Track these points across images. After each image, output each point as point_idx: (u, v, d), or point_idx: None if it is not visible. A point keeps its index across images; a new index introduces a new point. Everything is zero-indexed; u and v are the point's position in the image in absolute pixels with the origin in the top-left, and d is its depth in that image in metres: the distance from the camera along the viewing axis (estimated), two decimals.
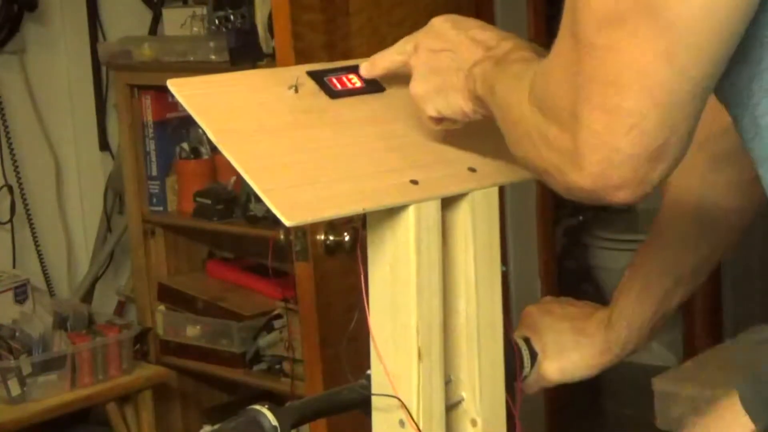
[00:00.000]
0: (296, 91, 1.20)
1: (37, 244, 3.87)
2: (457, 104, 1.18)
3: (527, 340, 1.40)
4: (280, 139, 1.14)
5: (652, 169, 0.93)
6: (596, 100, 0.91)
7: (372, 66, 1.28)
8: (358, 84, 1.27)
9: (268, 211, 1.08)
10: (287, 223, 1.07)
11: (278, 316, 3.31)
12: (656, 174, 0.94)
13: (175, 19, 3.57)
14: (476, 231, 1.24)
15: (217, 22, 3.40)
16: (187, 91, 1.14)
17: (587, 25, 0.91)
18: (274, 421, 1.18)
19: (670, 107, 0.91)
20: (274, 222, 2.92)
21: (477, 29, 1.19)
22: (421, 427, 1.20)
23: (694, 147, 1.34)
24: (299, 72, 1.23)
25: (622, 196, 0.94)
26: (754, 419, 1.08)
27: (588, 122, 0.92)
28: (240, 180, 3.36)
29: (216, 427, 1.19)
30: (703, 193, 1.34)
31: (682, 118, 0.93)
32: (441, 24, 1.20)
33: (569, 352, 1.41)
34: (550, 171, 0.98)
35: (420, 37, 1.21)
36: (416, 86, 1.20)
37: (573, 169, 0.94)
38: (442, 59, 1.18)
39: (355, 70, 1.28)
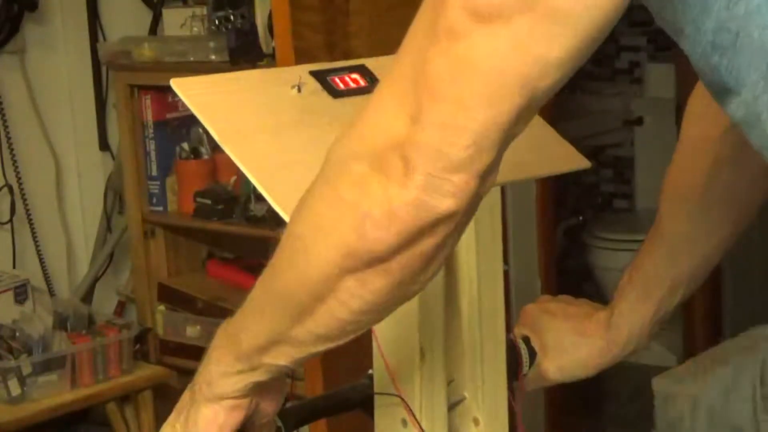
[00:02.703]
0: (299, 90, 1.20)
1: (37, 244, 3.87)
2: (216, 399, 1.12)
3: (526, 339, 1.40)
4: (283, 139, 1.14)
5: (483, 182, 0.91)
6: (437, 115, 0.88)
7: None
8: (361, 84, 1.27)
9: (269, 211, 1.08)
10: None
11: None
12: (486, 187, 0.92)
13: (175, 19, 3.57)
14: (478, 230, 1.24)
15: (217, 22, 3.40)
16: (190, 91, 1.14)
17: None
18: (278, 422, 1.18)
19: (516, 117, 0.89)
20: (274, 222, 2.91)
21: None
22: (423, 427, 1.20)
23: (696, 148, 1.34)
24: (302, 72, 1.23)
25: (449, 205, 0.90)
26: None
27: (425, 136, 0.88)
28: (240, 180, 3.37)
29: None
30: (704, 193, 1.34)
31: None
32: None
33: (568, 351, 1.41)
34: (368, 205, 0.91)
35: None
36: None
37: (399, 185, 0.89)
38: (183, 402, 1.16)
39: (357, 69, 1.28)
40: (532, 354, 1.40)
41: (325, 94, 1.22)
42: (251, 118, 1.16)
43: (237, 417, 1.12)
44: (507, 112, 0.88)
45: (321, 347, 1.02)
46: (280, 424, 1.18)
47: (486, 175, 0.90)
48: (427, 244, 0.92)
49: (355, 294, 0.95)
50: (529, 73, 0.87)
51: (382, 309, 0.99)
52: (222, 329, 1.11)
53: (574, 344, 1.41)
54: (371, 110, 0.93)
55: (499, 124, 0.88)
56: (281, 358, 1.05)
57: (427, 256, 0.93)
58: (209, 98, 1.15)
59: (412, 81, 0.89)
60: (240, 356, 1.08)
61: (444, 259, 0.95)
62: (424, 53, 0.89)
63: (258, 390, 1.12)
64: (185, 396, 1.14)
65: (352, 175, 0.91)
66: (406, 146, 0.89)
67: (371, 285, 0.94)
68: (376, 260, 0.92)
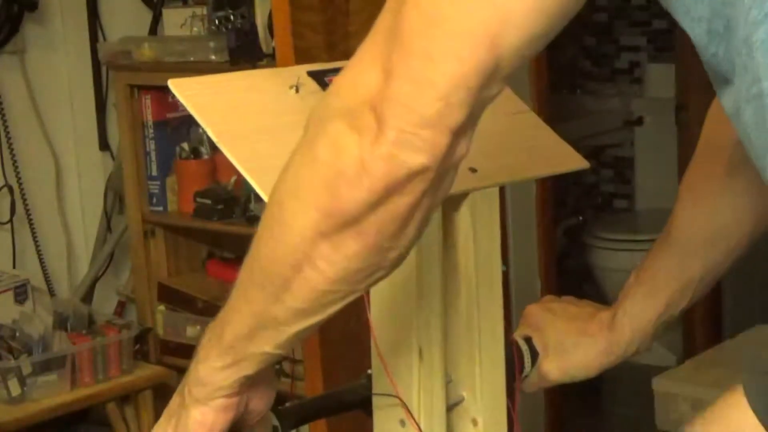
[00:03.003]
0: (297, 90, 1.20)
1: (37, 244, 3.87)
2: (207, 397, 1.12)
3: (528, 340, 1.40)
4: (281, 139, 1.14)
5: (455, 140, 0.91)
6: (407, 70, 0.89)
7: None
8: None
9: None
10: None
11: None
12: (459, 148, 0.92)
13: (175, 19, 3.57)
14: (477, 230, 1.24)
15: (217, 22, 3.40)
16: (188, 91, 1.14)
17: None
18: (275, 421, 1.18)
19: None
20: None
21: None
22: (421, 427, 1.20)
23: (714, 151, 1.33)
24: (300, 72, 1.23)
25: (420, 160, 0.90)
26: (761, 419, 1.07)
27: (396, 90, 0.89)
28: (240, 180, 3.37)
29: None
30: (719, 198, 1.33)
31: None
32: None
33: (571, 352, 1.40)
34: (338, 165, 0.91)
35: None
36: None
37: (371, 141, 0.89)
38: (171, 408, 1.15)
39: None
40: (534, 354, 1.40)
41: (323, 95, 1.22)
42: (249, 119, 1.16)
43: (226, 417, 1.12)
44: (474, 69, 0.88)
45: (301, 325, 1.01)
46: (276, 423, 1.18)
47: (458, 134, 0.90)
48: (401, 202, 0.91)
49: (330, 259, 0.94)
50: (494, 28, 0.87)
51: (358, 278, 0.97)
52: (208, 329, 1.10)
53: (576, 345, 1.40)
54: (349, 67, 0.94)
55: (467, 81, 0.88)
56: (265, 344, 1.05)
57: (401, 216, 0.92)
58: (207, 99, 1.15)
59: (386, 36, 0.90)
60: (225, 349, 1.07)
61: (419, 225, 0.94)
62: (397, 7, 0.90)
63: (247, 385, 1.11)
64: (174, 400, 1.14)
65: (327, 134, 0.92)
66: (378, 101, 0.89)
67: (345, 249, 0.93)
68: (349, 221, 0.92)
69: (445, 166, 0.91)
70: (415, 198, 0.91)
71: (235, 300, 1.06)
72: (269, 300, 1.01)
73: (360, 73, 0.92)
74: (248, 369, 1.08)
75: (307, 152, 0.94)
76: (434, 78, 0.88)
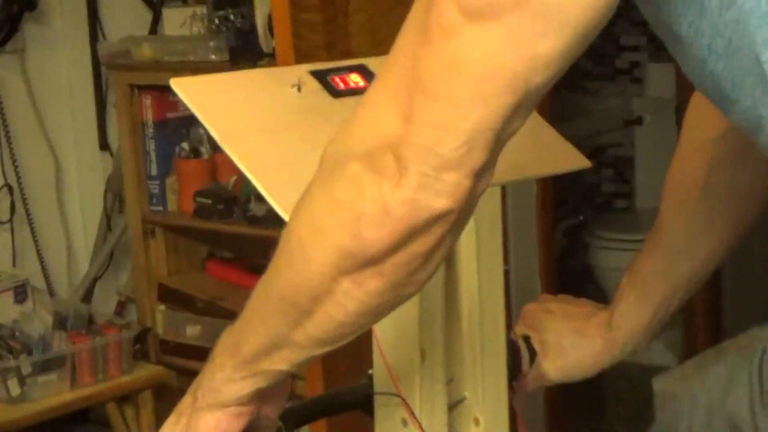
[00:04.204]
0: (299, 90, 1.20)
1: (37, 244, 3.87)
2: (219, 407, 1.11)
3: (526, 339, 1.40)
4: (283, 138, 1.14)
5: (477, 182, 0.90)
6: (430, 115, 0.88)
7: None
8: (361, 83, 1.27)
9: (269, 210, 1.08)
10: None
11: None
12: (481, 186, 0.92)
13: (175, 19, 3.57)
14: (478, 230, 1.24)
15: (217, 21, 3.40)
16: (190, 91, 1.14)
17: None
18: (278, 422, 1.18)
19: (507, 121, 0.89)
20: (275, 222, 2.92)
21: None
22: (423, 427, 1.20)
23: (696, 148, 1.34)
24: (302, 71, 1.23)
25: (443, 204, 0.90)
26: None
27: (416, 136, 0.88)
28: (240, 180, 3.37)
29: None
30: (704, 194, 1.34)
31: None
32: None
33: (569, 351, 1.41)
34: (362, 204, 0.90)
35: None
36: None
37: (393, 184, 0.89)
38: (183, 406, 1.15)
39: (357, 69, 1.28)
40: (532, 353, 1.40)
41: (325, 94, 1.22)
42: (251, 118, 1.16)
43: (239, 424, 1.12)
44: (499, 111, 0.88)
45: (320, 350, 1.02)
46: (280, 424, 1.18)
47: (480, 175, 0.90)
48: (422, 244, 0.91)
49: (351, 295, 0.95)
50: (520, 71, 0.87)
51: (379, 311, 0.98)
52: (225, 334, 1.11)
53: (573, 344, 1.40)
54: (365, 109, 0.93)
55: (492, 123, 0.88)
56: (281, 363, 1.05)
57: (422, 256, 0.92)
58: (209, 98, 1.15)
59: (405, 79, 0.89)
60: (241, 363, 1.07)
61: (440, 260, 0.95)
62: (416, 51, 0.89)
63: (261, 396, 1.11)
64: (186, 399, 1.14)
65: (346, 175, 0.91)
66: (400, 145, 0.89)
67: (366, 286, 0.94)
68: (370, 261, 0.92)
69: (468, 207, 0.92)
70: (437, 239, 0.91)
71: (252, 318, 1.06)
72: (289, 326, 1.01)
73: (378, 116, 0.91)
74: (263, 383, 1.09)
75: (325, 192, 0.94)
76: (458, 123, 0.88)
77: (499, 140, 0.90)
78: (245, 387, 1.09)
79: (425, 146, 0.88)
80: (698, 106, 1.33)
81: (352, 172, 0.91)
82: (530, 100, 0.89)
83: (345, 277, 0.94)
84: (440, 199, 0.89)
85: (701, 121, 1.32)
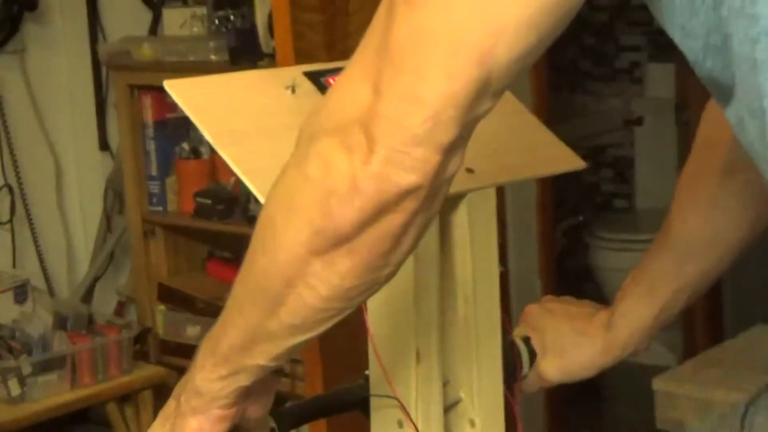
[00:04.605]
0: (293, 91, 1.20)
1: (37, 244, 3.87)
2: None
3: (527, 340, 1.40)
4: (277, 140, 1.14)
5: (446, 158, 0.89)
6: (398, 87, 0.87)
7: None
8: None
9: None
10: None
11: None
12: (451, 165, 0.91)
13: (175, 19, 3.57)
14: (474, 231, 1.24)
15: (217, 22, 3.41)
16: (184, 92, 1.14)
17: None
18: (271, 422, 1.18)
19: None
20: None
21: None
22: (419, 428, 1.20)
23: (710, 151, 1.33)
24: (296, 72, 1.23)
25: (411, 180, 0.89)
26: None
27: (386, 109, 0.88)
28: (239, 180, 3.36)
29: None
30: (716, 197, 1.32)
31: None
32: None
33: (569, 352, 1.40)
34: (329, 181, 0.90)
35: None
36: None
37: (362, 160, 0.88)
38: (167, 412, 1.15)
39: None
40: (533, 355, 1.39)
41: (319, 95, 1.22)
42: (245, 120, 1.16)
43: (223, 427, 1.11)
44: (465, 86, 0.87)
45: (296, 340, 1.01)
46: (273, 425, 1.18)
47: (450, 152, 0.89)
48: (393, 221, 0.90)
49: (322, 277, 0.94)
50: (485, 44, 0.86)
51: (352, 296, 0.96)
52: (206, 337, 1.10)
53: (574, 344, 1.40)
54: (338, 85, 0.93)
55: (458, 98, 0.87)
56: (260, 357, 1.04)
57: (393, 234, 0.91)
58: (203, 100, 1.15)
59: (375, 53, 0.89)
60: (220, 360, 1.07)
61: (412, 242, 0.94)
62: (387, 24, 0.89)
63: (245, 395, 1.11)
64: (170, 404, 1.14)
65: (318, 151, 0.91)
66: (369, 119, 0.88)
67: (338, 266, 0.93)
68: (341, 239, 0.91)
69: (437, 184, 0.91)
70: (407, 216, 0.91)
71: (230, 312, 1.05)
72: (264, 314, 1.00)
73: (350, 90, 0.91)
74: (244, 380, 1.08)
75: (298, 168, 0.93)
76: (424, 96, 0.87)
77: (466, 119, 0.89)
78: (226, 386, 1.08)
79: (393, 119, 0.87)
80: (712, 109, 1.31)
81: (323, 148, 0.91)
82: (499, 79, 0.88)
83: (316, 258, 0.93)
84: (409, 175, 0.88)
85: (715, 123, 1.30)
